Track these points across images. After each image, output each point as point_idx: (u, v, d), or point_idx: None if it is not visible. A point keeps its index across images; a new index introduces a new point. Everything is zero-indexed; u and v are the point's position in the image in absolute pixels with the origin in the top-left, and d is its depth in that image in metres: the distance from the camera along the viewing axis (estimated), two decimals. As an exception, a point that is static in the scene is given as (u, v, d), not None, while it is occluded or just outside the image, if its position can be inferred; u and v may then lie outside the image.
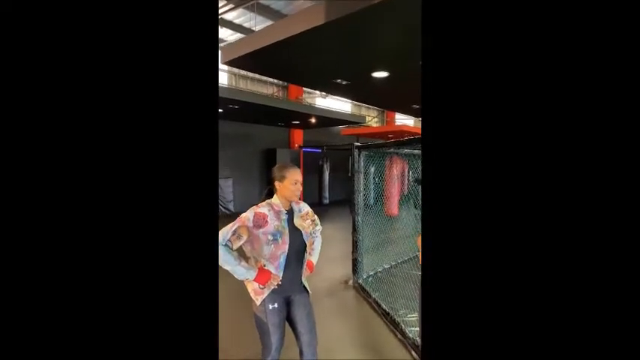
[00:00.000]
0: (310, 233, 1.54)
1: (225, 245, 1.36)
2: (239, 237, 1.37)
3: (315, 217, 1.61)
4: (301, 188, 1.50)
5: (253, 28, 6.93)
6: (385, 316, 2.69)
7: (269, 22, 6.90)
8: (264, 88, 9.63)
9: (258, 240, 1.40)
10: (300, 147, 9.64)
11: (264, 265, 1.42)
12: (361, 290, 3.29)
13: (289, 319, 1.50)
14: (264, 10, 6.61)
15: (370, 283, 3.38)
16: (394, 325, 2.51)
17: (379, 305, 2.85)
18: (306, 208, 1.57)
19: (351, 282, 3.50)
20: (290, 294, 1.48)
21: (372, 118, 12.83)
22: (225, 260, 1.34)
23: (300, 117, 7.60)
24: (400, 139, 2.62)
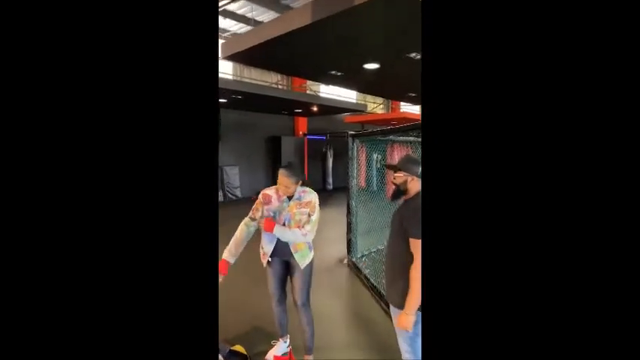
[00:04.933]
0: (296, 219, 1.76)
1: (248, 218, 1.88)
2: (257, 210, 1.85)
3: (313, 216, 1.76)
4: (282, 186, 1.74)
5: (256, 19, 7.08)
6: (373, 289, 2.98)
7: (268, 11, 7.03)
8: (269, 76, 9.76)
9: (264, 213, 1.84)
10: (305, 134, 9.84)
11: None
12: (354, 268, 3.57)
13: (290, 276, 1.91)
14: (263, 1, 6.74)
15: (363, 262, 3.65)
16: (379, 297, 2.79)
17: (368, 280, 3.14)
18: (308, 197, 1.79)
19: (345, 261, 3.78)
20: (286, 258, 1.86)
21: (377, 105, 12.87)
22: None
23: (303, 106, 7.77)
24: (386, 128, 2.84)
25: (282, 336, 2.03)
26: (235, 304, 2.71)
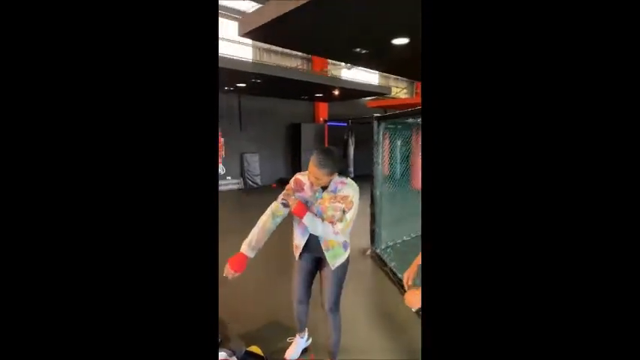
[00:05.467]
0: (328, 214, 1.49)
1: (279, 204, 1.59)
2: (289, 195, 1.57)
3: (348, 214, 1.47)
4: (312, 176, 1.47)
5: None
6: (399, 284, 2.76)
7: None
8: (289, 61, 9.52)
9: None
10: (325, 121, 9.57)
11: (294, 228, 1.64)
12: (378, 260, 3.36)
13: (320, 276, 1.70)
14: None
15: (388, 254, 3.43)
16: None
17: (394, 274, 2.92)
18: (345, 191, 1.49)
19: (369, 252, 3.58)
20: (318, 255, 1.63)
21: (400, 90, 12.35)
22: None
23: (323, 89, 7.49)
24: (415, 109, 2.55)
25: (300, 331, 1.87)
26: (254, 296, 2.58)
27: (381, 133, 3.46)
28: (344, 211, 1.49)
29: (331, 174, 1.46)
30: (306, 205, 1.52)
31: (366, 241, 3.68)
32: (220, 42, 7.93)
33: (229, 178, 8.18)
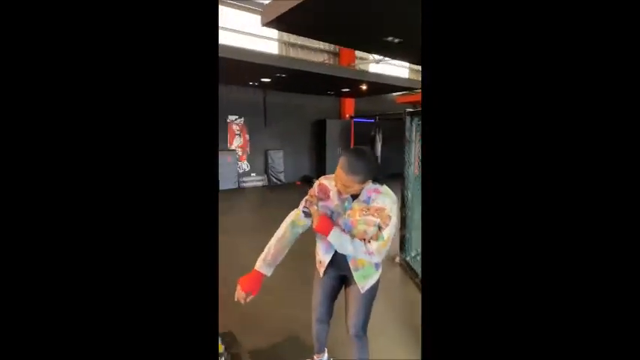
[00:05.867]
0: (360, 229, 1.23)
1: (300, 212, 1.34)
2: (311, 203, 1.33)
3: (385, 231, 1.20)
4: (339, 183, 1.20)
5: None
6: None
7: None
8: (315, 56, 9.31)
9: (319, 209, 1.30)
10: (351, 117, 9.28)
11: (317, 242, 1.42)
12: (408, 268, 3.08)
13: (345, 296, 1.47)
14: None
15: (419, 262, 3.14)
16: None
17: (427, 286, 2.64)
18: (381, 202, 1.22)
19: (398, 259, 3.31)
20: (344, 272, 1.41)
21: (431, 85, 11.78)
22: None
23: (350, 84, 7.22)
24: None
25: (318, 352, 1.65)
26: (268, 308, 2.40)
27: (414, 129, 3.16)
28: (379, 227, 1.21)
29: (364, 181, 1.19)
30: (331, 220, 1.26)
31: (395, 246, 3.40)
32: (245, 37, 7.86)
33: (253, 174, 8.14)
